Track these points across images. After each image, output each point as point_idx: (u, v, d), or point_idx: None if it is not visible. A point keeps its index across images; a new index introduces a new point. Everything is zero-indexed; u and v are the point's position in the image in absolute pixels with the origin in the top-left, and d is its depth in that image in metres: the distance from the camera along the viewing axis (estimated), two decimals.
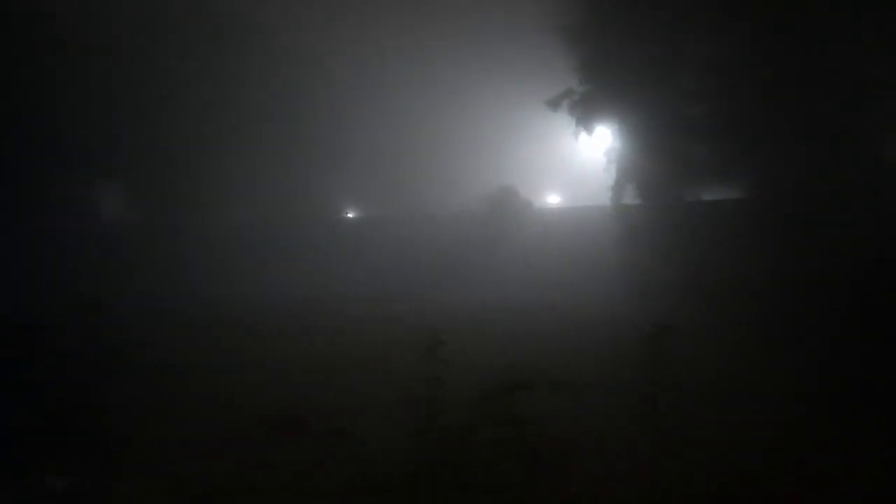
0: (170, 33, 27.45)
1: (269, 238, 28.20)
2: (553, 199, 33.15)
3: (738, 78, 22.26)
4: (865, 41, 20.35)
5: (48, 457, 8.85)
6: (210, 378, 12.98)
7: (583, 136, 26.40)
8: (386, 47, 29.64)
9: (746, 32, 21.52)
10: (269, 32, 28.88)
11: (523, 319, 18.44)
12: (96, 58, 25.75)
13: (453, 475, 8.10)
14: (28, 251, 21.51)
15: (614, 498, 7.54)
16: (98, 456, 8.82)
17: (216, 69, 28.20)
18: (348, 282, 26.00)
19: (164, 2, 27.26)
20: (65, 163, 25.05)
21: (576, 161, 29.01)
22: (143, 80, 27.07)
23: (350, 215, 33.91)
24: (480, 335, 15.52)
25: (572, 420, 9.74)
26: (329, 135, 30.42)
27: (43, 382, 11.38)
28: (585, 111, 26.12)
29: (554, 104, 26.57)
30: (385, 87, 30.17)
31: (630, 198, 25.52)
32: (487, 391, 9.47)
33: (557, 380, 10.35)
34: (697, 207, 23.89)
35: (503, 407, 9.20)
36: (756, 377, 12.04)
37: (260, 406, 11.00)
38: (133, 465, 8.58)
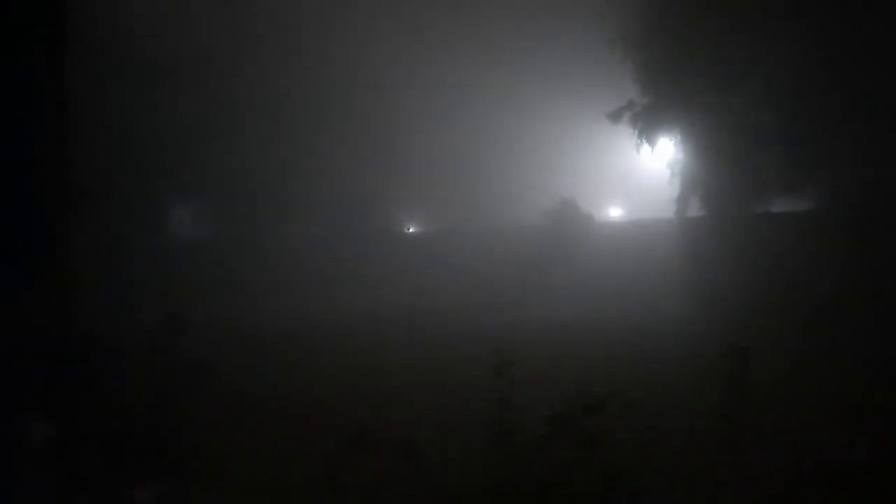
0: (237, 53, 28.20)
1: (335, 253, 28.56)
2: (615, 212, 32.76)
3: (808, 84, 21.64)
4: None
5: (130, 468, 9.10)
6: (281, 392, 13.17)
7: (645, 148, 26.02)
8: (447, 60, 29.83)
9: (816, 37, 20.90)
10: (330, 54, 29.39)
11: (591, 336, 18.12)
12: (168, 76, 26.63)
13: (524, 498, 7.99)
14: (104, 269, 22.28)
15: None
16: (175, 469, 9.02)
17: (281, 87, 28.82)
18: (413, 296, 26.08)
19: (235, 24, 28.06)
20: (138, 180, 25.89)
21: (637, 173, 28.60)
22: (213, 99, 27.83)
23: (411, 230, 34.15)
24: (548, 352, 15.31)
25: (647, 443, 9.50)
26: (390, 149, 30.73)
27: (122, 399, 11.68)
28: (647, 123, 25.77)
29: (615, 117, 26.32)
30: (446, 100, 30.34)
31: (695, 210, 24.99)
32: (558, 413, 9.33)
33: (631, 400, 10.12)
34: (767, 219, 23.22)
35: (574, 429, 9.05)
36: (839, 394, 11.53)
37: (330, 421, 11.07)
38: (207, 479, 8.74)
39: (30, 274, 11.30)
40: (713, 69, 23.38)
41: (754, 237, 22.36)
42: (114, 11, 24.30)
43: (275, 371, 15.10)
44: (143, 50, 26.03)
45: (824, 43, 21.04)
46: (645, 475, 8.40)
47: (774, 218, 23.42)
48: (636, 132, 25.98)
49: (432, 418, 10.94)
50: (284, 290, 25.98)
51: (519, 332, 18.29)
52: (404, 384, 13.24)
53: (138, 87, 25.64)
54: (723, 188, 24.04)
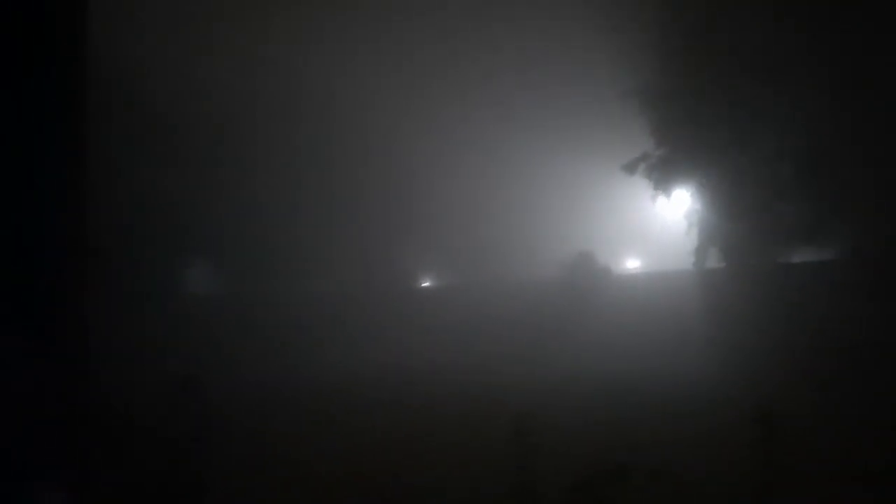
0: (250, 112, 28.59)
1: (350, 309, 28.39)
2: (632, 264, 32.48)
3: (827, 135, 21.60)
4: None
5: None
6: (293, 456, 12.94)
7: (661, 199, 25.92)
8: (460, 113, 30.05)
9: (834, 88, 20.93)
10: (342, 109, 29.73)
11: (611, 396, 17.65)
12: (183, 132, 27.04)
13: None
14: (119, 329, 22.23)
15: None
16: None
17: (295, 144, 29.09)
18: (428, 354, 25.75)
19: (250, 83, 28.55)
20: (153, 238, 26.03)
21: (655, 224, 28.44)
22: (226, 155, 28.16)
23: (426, 284, 33.99)
24: (568, 415, 14.87)
25: None
26: (405, 203, 30.81)
27: (139, 460, 11.56)
28: (663, 174, 25.70)
29: (630, 168, 26.30)
30: (460, 153, 30.44)
31: (714, 261, 24.72)
32: (581, 482, 9.04)
33: (656, 467, 9.78)
34: (788, 270, 22.89)
35: (598, 499, 8.74)
36: (876, 458, 11.06)
37: (344, 486, 10.83)
38: None
39: (43, 336, 11.32)
40: (728, 121, 23.41)
41: (776, 288, 22.00)
42: (130, 72, 24.84)
43: (289, 432, 14.85)
44: (157, 107, 26.51)
45: (842, 94, 21.06)
46: None
47: (796, 268, 23.07)
48: (652, 183, 25.91)
49: (448, 488, 10.62)
50: (298, 349, 25.71)
51: (537, 393, 17.81)
52: (421, 450, 12.89)
53: (152, 145, 26.05)
54: (742, 239, 23.83)
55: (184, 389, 13.53)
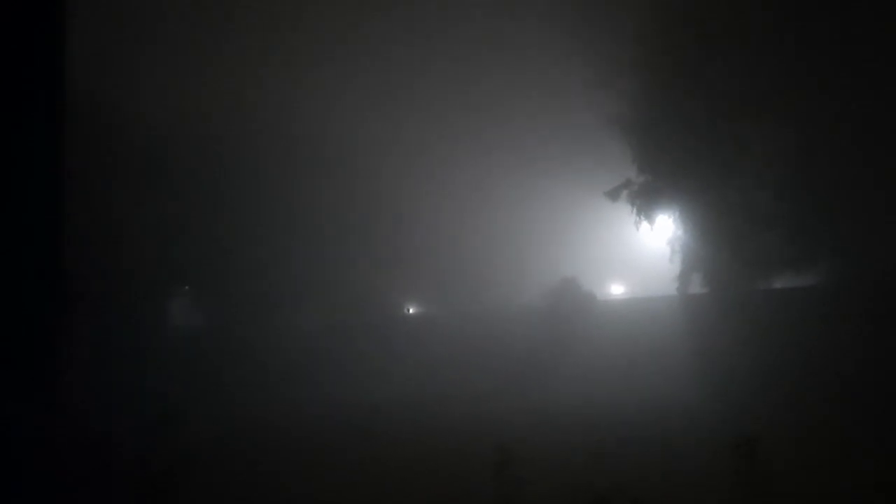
0: (235, 144, 28.50)
1: (332, 339, 28.25)
2: (616, 290, 32.58)
3: (803, 164, 21.88)
4: None
5: None
6: (274, 489, 12.77)
7: (645, 225, 26.06)
8: (447, 143, 30.23)
9: (814, 117, 21.22)
10: (330, 135, 29.78)
11: (595, 424, 17.58)
12: (161, 161, 26.95)
13: None
14: (98, 360, 21.92)
15: None
16: None
17: (280, 176, 28.99)
18: (411, 384, 25.59)
19: (234, 115, 28.49)
20: (131, 269, 25.75)
21: (639, 250, 28.57)
22: (210, 189, 28.05)
23: (411, 311, 33.91)
24: (550, 445, 14.79)
25: None
26: (389, 231, 30.80)
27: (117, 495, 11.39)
28: (645, 201, 25.84)
29: (613, 195, 26.47)
30: (446, 182, 30.58)
31: (697, 287, 24.82)
32: None
33: (639, 496, 9.70)
34: (770, 296, 23.03)
35: None
36: (857, 481, 11.04)
37: None
38: None
39: (28, 374, 11.21)
40: (710, 150, 23.62)
41: (757, 314, 22.13)
42: (108, 106, 24.81)
43: (270, 466, 14.66)
44: (140, 143, 26.43)
45: (822, 123, 21.34)
46: None
47: (777, 295, 23.21)
48: (635, 210, 26.05)
49: None
50: (281, 382, 25.42)
51: (519, 422, 17.75)
52: (402, 482, 12.73)
53: (136, 180, 25.92)
54: (724, 265, 23.94)
55: (163, 423, 13.37)
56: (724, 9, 22.94)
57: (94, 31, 22.33)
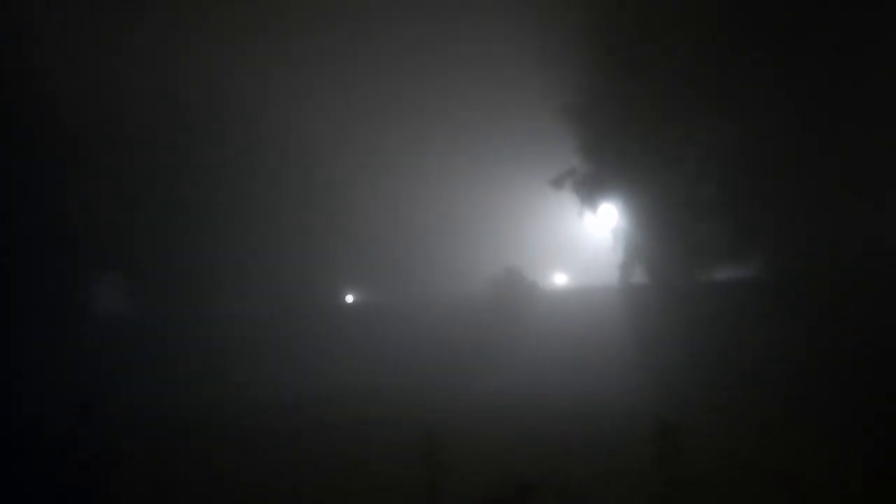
0: (167, 122, 27.48)
1: (267, 328, 27.64)
2: (560, 279, 32.76)
3: (748, 157, 22.24)
4: (870, 117, 20.45)
5: None
6: (196, 480, 12.47)
7: (588, 214, 26.21)
8: (388, 131, 29.82)
9: (754, 114, 21.59)
10: (265, 119, 28.98)
11: (528, 412, 17.55)
12: (94, 146, 25.87)
13: None
14: (20, 348, 20.95)
15: None
16: None
17: (214, 161, 28.09)
18: (346, 374, 25.27)
19: (164, 93, 27.46)
20: (58, 255, 24.71)
21: (583, 240, 28.75)
22: (147, 170, 27.05)
23: (350, 299, 33.43)
24: (482, 431, 14.74)
25: None
26: (332, 218, 30.26)
27: (31, 489, 10.98)
28: (589, 190, 25.91)
29: (558, 183, 26.50)
30: (387, 170, 30.15)
31: (639, 277, 25.10)
32: (490, 500, 8.93)
33: (566, 482, 9.74)
34: (709, 287, 23.42)
35: None
36: (777, 466, 11.28)
37: None
38: None
39: None
40: (652, 142, 23.84)
41: (696, 304, 22.49)
42: (30, 83, 23.76)
43: (193, 458, 14.28)
44: (67, 115, 25.32)
45: (761, 119, 21.70)
46: None
47: (718, 286, 23.59)
48: (579, 199, 26.17)
49: None
50: (208, 371, 24.66)
51: (454, 409, 17.65)
52: (331, 475, 12.50)
53: (58, 156, 24.84)
54: (665, 256, 24.22)
55: (84, 413, 12.90)
56: (670, 2, 23.15)
57: None
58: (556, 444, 13.47)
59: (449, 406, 18.53)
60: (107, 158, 26.26)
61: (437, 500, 8.57)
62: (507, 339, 25.41)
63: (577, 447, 13.14)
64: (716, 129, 23.03)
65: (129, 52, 26.63)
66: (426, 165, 30.02)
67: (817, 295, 20.05)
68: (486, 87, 28.85)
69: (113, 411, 15.18)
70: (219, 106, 28.15)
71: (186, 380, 23.44)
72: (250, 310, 29.27)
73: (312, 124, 29.07)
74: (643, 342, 21.82)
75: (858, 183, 20.39)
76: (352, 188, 29.81)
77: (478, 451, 12.34)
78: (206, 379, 24.01)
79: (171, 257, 27.81)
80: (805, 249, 21.38)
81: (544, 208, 28.66)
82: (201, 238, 27.92)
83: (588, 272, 29.27)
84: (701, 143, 23.46)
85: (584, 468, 11.40)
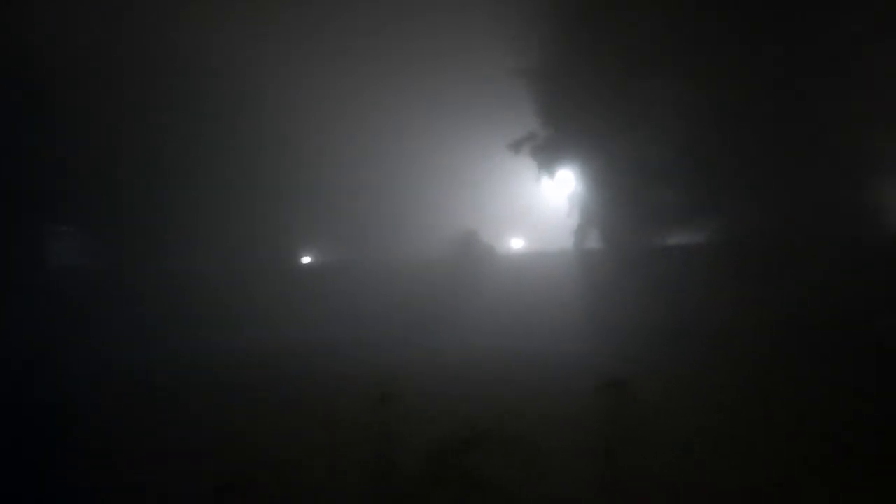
0: (128, 74, 26.79)
1: (222, 286, 27.39)
2: (516, 244, 32.97)
3: (703, 123, 22.39)
4: (829, 84, 20.73)
5: None
6: (154, 434, 12.29)
7: (546, 179, 26.27)
8: (345, 91, 29.42)
9: (711, 77, 21.71)
10: (225, 74, 28.41)
11: (483, 369, 17.76)
12: (50, 94, 25.04)
13: None
14: None
15: None
16: None
17: (168, 114, 27.45)
18: (304, 331, 25.28)
19: (127, 44, 26.71)
20: (8, 204, 24.04)
21: (539, 204, 28.90)
22: (97, 120, 26.23)
23: (308, 260, 33.29)
24: (437, 386, 14.85)
25: (529, 480, 9.18)
26: (288, 178, 29.87)
27: None
28: (547, 155, 25.92)
29: (516, 147, 26.44)
30: (344, 130, 29.80)
31: (594, 242, 25.32)
32: (441, 449, 8.98)
33: (516, 434, 9.87)
34: (662, 252, 23.74)
35: (458, 466, 8.72)
36: (725, 427, 11.58)
37: (208, 465, 10.36)
38: None
39: None
40: (612, 106, 23.85)
41: (651, 269, 22.79)
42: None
43: (151, 412, 14.10)
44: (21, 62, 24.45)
45: (719, 82, 21.84)
46: None
47: (671, 251, 23.93)
48: (537, 164, 26.17)
49: (315, 458, 10.32)
50: (165, 327, 24.45)
51: (408, 366, 17.77)
52: (289, 425, 12.47)
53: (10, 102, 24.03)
54: (620, 221, 24.41)
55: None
56: None
57: None
58: (509, 398, 13.65)
59: (405, 362, 18.66)
60: (61, 112, 25.43)
61: (392, 448, 8.58)
62: (463, 300, 25.56)
63: (529, 401, 13.32)
64: (676, 94, 23.09)
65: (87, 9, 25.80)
66: (383, 126, 29.78)
67: (769, 260, 20.43)
68: (444, 46, 28.59)
69: (68, 361, 14.87)
70: (169, 59, 27.40)
71: (146, 334, 23.21)
72: (212, 266, 28.99)
73: (264, 80, 28.56)
74: (596, 304, 22.12)
75: (813, 149, 20.70)
76: (307, 149, 29.41)
77: (432, 403, 12.42)
78: (165, 333, 23.80)
79: (128, 211, 27.23)
80: (758, 215, 21.68)
81: (503, 172, 28.71)
82: (156, 193, 27.40)
83: (544, 238, 29.49)
84: (659, 106, 23.51)
85: (535, 420, 11.56)
